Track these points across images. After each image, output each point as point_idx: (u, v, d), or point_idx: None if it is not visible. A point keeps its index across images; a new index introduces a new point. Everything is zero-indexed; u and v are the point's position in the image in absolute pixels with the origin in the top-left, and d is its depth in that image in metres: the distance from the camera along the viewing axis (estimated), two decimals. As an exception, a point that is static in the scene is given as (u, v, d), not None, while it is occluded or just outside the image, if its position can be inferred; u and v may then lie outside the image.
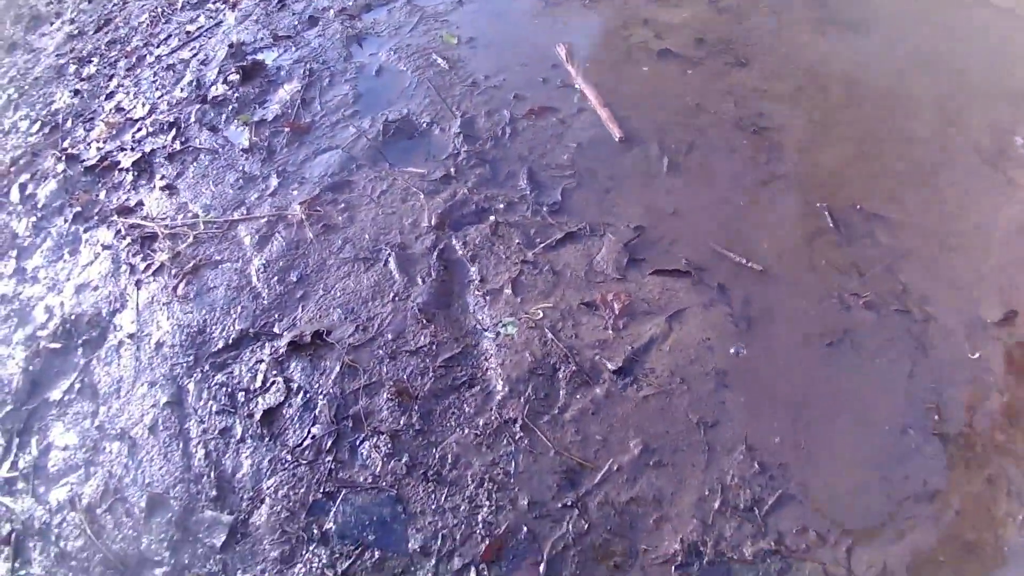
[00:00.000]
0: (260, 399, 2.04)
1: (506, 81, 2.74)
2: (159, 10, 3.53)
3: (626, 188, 2.32)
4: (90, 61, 3.38)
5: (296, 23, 3.20)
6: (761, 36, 2.97)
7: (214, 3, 3.45)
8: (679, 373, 1.90)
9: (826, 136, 2.54)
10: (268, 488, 1.88)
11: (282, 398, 2.02)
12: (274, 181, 2.45)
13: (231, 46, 3.00)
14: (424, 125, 2.58)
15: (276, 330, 2.13)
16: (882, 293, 2.07)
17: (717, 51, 2.88)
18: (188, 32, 3.27)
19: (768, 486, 1.73)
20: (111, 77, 3.20)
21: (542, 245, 2.15)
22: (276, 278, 2.20)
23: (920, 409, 1.86)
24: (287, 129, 2.59)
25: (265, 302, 2.17)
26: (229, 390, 2.08)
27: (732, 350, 1.93)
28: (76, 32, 3.67)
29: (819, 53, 2.90)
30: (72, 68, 3.36)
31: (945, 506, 1.72)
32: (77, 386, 2.23)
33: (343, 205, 2.32)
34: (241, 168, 2.52)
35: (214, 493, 1.89)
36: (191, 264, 2.29)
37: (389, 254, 2.17)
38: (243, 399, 2.05)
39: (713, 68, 2.80)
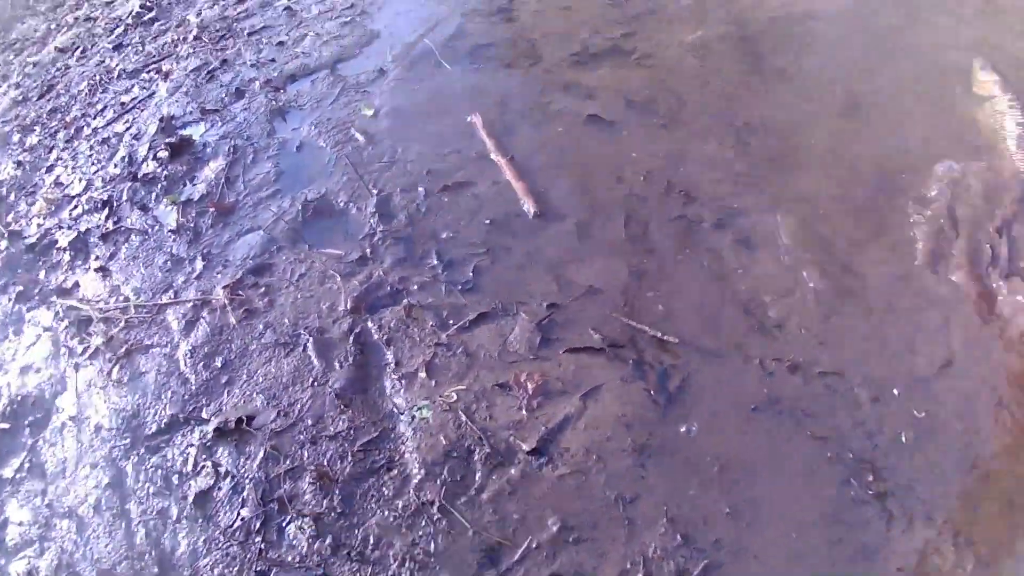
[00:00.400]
0: (192, 482, 2.13)
1: (422, 155, 2.77)
2: (97, 78, 3.56)
3: (541, 264, 2.36)
4: (33, 130, 3.43)
5: (223, 95, 3.23)
6: (689, 93, 2.96)
7: (148, 72, 3.48)
8: (595, 451, 1.96)
9: (756, 201, 2.54)
10: (205, 566, 1.98)
11: (212, 482, 2.11)
12: (199, 264, 2.51)
13: (161, 120, 3.04)
14: (342, 204, 2.62)
15: (204, 415, 2.21)
16: (808, 355, 2.11)
17: (642, 113, 2.87)
18: (123, 103, 3.30)
19: (693, 556, 1.77)
20: (51, 148, 3.25)
21: (455, 326, 2.21)
22: (202, 364, 2.28)
23: (854, 469, 1.89)
24: (212, 209, 2.64)
25: (193, 387, 2.25)
26: (164, 472, 2.17)
27: (683, 429, 1.97)
28: (21, 98, 3.72)
29: (749, 109, 2.89)
30: (16, 137, 3.41)
31: (885, 568, 1.73)
32: (27, 465, 2.33)
33: (264, 289, 2.38)
34: (169, 250, 2.58)
35: (156, 570, 2.00)
36: (124, 348, 2.37)
37: (308, 339, 2.24)
38: (177, 481, 2.15)
39: (637, 132, 2.80)
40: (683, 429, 1.97)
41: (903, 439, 1.94)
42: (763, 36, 3.29)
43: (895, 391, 2.04)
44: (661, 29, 3.36)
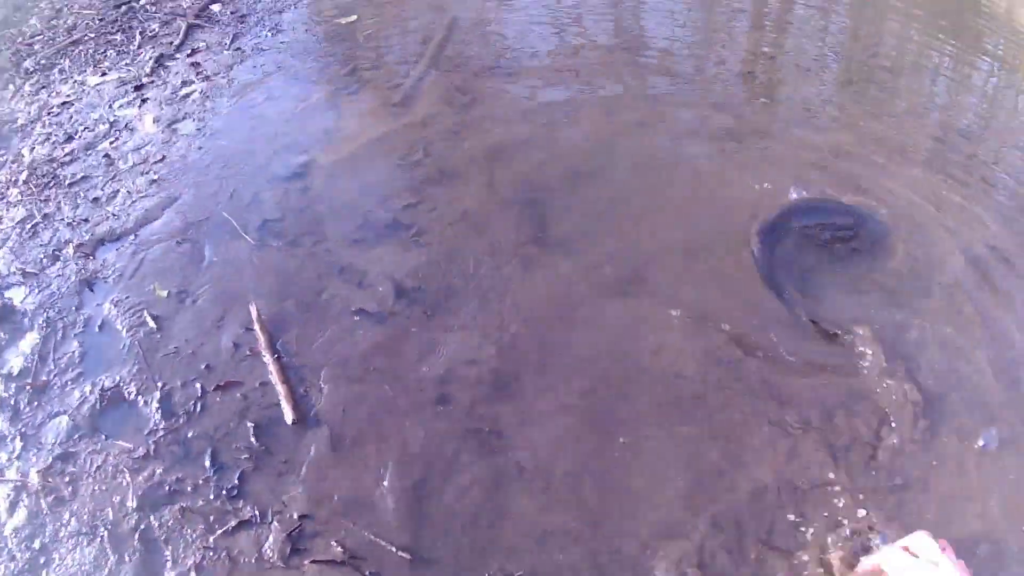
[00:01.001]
0: (23, 651, 2.47)
1: (203, 346, 2.82)
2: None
3: (297, 473, 2.48)
4: None
5: (42, 256, 3.28)
6: (461, 275, 2.91)
7: (-12, 217, 3.52)
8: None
9: (506, 410, 2.55)
10: None
11: (37, 654, 2.45)
12: (18, 443, 2.71)
13: (-11, 278, 3.14)
14: (132, 395, 2.74)
15: (27, 593, 2.51)
16: (551, 568, 2.21)
17: (410, 302, 2.85)
18: (-43, 253, 3.39)
19: None
20: None
21: (220, 531, 2.39)
22: (23, 544, 2.55)
23: None
24: (28, 387, 2.80)
25: (19, 565, 2.54)
26: (1, 639, 2.52)
27: None
28: None
29: (520, 292, 2.85)
30: None
31: None
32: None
33: (69, 478, 2.59)
34: (-7, 425, 2.79)
35: None
36: (-38, 520, 2.65)
37: (103, 532, 2.46)
38: (13, 649, 2.49)
39: (400, 326, 2.79)
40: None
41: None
42: (551, 198, 3.10)
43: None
44: (446, 197, 3.26)
